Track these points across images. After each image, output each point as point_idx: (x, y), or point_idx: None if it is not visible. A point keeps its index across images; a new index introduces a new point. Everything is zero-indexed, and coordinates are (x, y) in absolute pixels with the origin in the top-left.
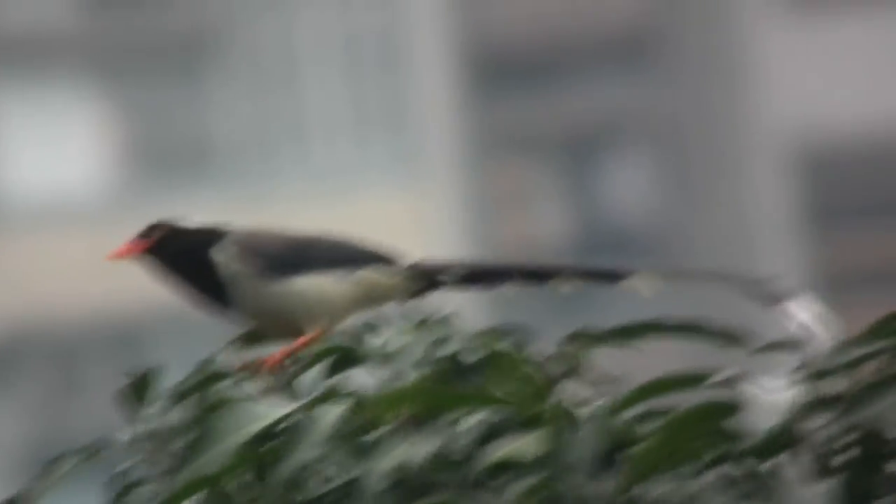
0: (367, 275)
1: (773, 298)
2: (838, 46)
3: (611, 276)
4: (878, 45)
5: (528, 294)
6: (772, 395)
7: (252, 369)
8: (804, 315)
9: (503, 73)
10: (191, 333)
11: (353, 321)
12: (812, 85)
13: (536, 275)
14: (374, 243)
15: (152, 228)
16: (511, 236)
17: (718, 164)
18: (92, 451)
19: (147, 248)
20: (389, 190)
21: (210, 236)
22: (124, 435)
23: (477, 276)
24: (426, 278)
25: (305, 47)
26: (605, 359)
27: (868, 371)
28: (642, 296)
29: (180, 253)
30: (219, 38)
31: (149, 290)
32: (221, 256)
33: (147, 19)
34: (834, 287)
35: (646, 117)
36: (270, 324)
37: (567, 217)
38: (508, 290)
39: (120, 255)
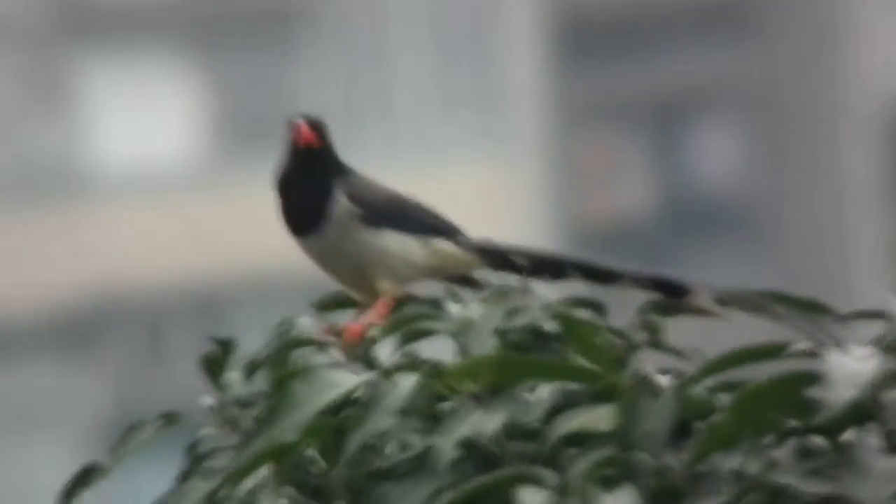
0: (445, 245)
1: (832, 341)
2: None
3: (676, 290)
4: None
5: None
6: (853, 366)
7: (335, 334)
8: (849, 367)
9: (591, 42)
10: (273, 301)
11: (430, 288)
12: None
13: (603, 276)
14: (448, 217)
15: (322, 125)
16: (599, 208)
17: (809, 134)
18: (171, 418)
19: (319, 144)
20: (476, 163)
21: (341, 169)
22: (206, 401)
23: (544, 265)
24: (495, 258)
25: (394, 19)
26: (684, 329)
27: None
28: (708, 313)
29: (323, 164)
30: (309, 10)
31: (233, 259)
32: (340, 189)
33: None
34: None
35: (733, 87)
36: (344, 270)
37: (655, 188)
38: (573, 283)
39: (307, 138)
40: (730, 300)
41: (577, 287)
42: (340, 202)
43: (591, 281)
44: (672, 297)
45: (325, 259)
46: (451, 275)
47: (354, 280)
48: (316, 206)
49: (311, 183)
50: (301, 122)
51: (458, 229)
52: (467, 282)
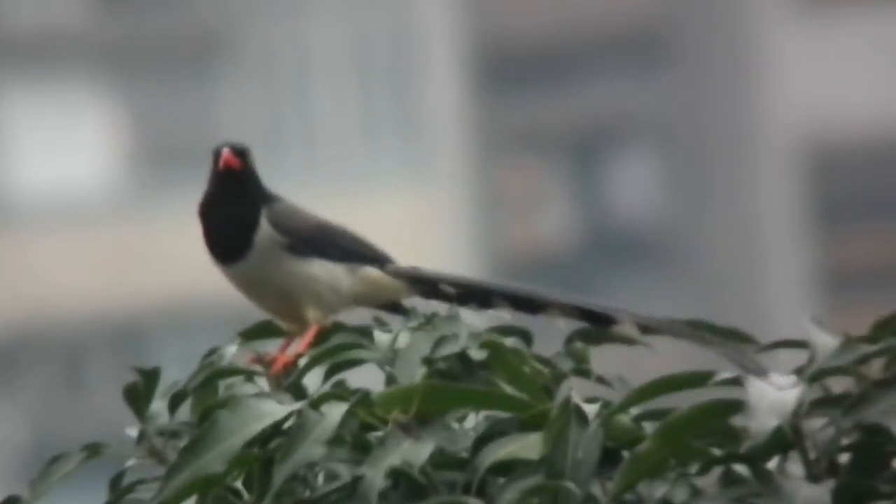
0: (372, 272)
1: (756, 369)
2: (847, 46)
3: (603, 319)
4: (887, 45)
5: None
6: (775, 395)
7: (262, 364)
8: (772, 396)
9: (513, 71)
10: (195, 330)
11: (358, 316)
12: (820, 84)
13: (530, 303)
14: (372, 241)
15: (245, 151)
16: (519, 237)
17: (726, 164)
18: (95, 450)
19: (242, 168)
20: (397, 188)
21: (265, 195)
22: (130, 432)
23: (470, 293)
24: (423, 285)
25: (315, 50)
26: (609, 358)
27: (873, 369)
28: (632, 341)
29: (247, 190)
30: (230, 40)
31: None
32: (264, 217)
33: (158, 19)
34: (840, 286)
35: (654, 117)
36: (269, 298)
37: (575, 217)
38: (500, 312)
39: (229, 162)
40: (655, 328)
41: (504, 315)
42: (264, 229)
43: (518, 309)
44: (598, 325)
45: (249, 287)
46: (380, 302)
47: (280, 308)
48: (239, 233)
49: (234, 209)
50: (225, 148)
51: (387, 256)
52: (395, 309)
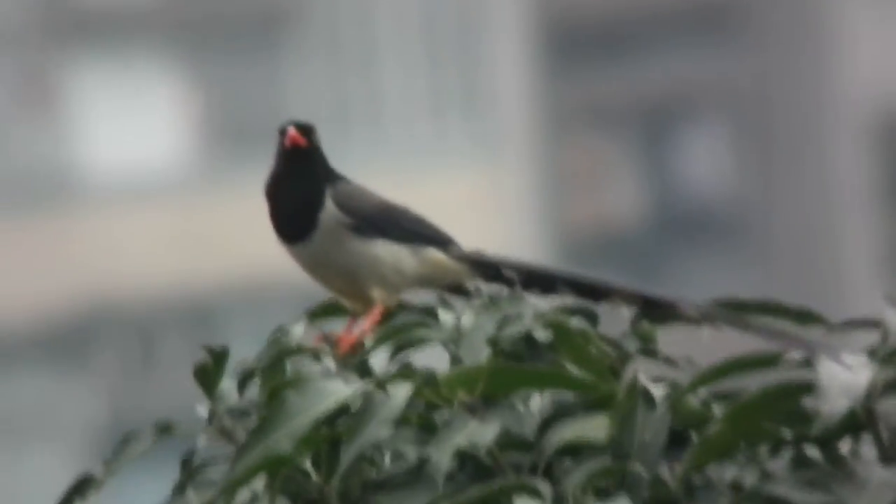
0: (436, 254)
1: (824, 354)
2: None
3: (666, 307)
4: None
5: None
6: (847, 377)
7: (329, 343)
8: (843, 377)
9: (580, 47)
10: (266, 309)
11: (422, 296)
12: (891, 56)
13: (593, 291)
14: (437, 223)
15: (312, 130)
16: (587, 215)
17: (797, 138)
18: (166, 428)
19: (307, 147)
20: (464, 166)
21: (331, 175)
22: (201, 411)
23: (533, 279)
24: (486, 269)
25: (383, 24)
26: (677, 338)
27: None
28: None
29: (313, 168)
30: (298, 14)
31: (225, 266)
32: (329, 197)
33: None
34: None
35: (724, 90)
36: (334, 278)
37: (643, 193)
38: (563, 298)
39: (295, 141)
40: (716, 318)
41: (567, 298)
42: (329, 209)
43: (581, 296)
44: (662, 313)
45: (314, 267)
46: (443, 284)
47: (345, 288)
48: (305, 213)
49: (300, 189)
50: (290, 126)
51: (450, 239)
52: (459, 290)
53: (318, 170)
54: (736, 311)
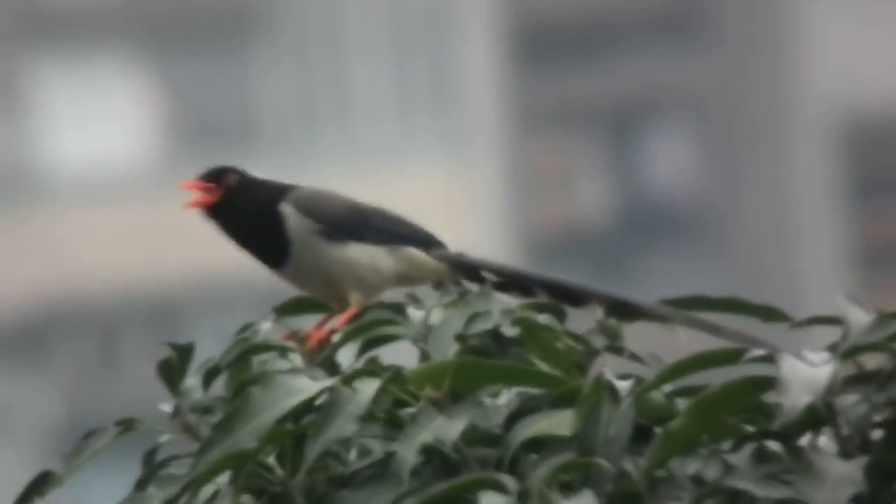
0: (416, 254)
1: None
2: (884, 19)
3: (640, 312)
4: None
5: (567, 263)
6: (808, 372)
7: (296, 340)
8: (804, 373)
9: (548, 47)
10: (229, 306)
11: (392, 294)
12: (857, 58)
13: (570, 295)
14: (421, 224)
15: (220, 173)
16: (555, 213)
17: (762, 139)
18: (129, 425)
19: (219, 199)
20: (432, 165)
21: (279, 190)
22: (163, 408)
23: (512, 282)
24: (465, 270)
25: (352, 23)
26: (643, 335)
27: None
28: (669, 330)
29: (249, 202)
30: (266, 13)
31: (190, 263)
32: (289, 211)
33: None
34: (875, 261)
35: (690, 92)
36: (317, 286)
37: (610, 192)
38: (541, 299)
39: (195, 206)
40: (685, 324)
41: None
42: (294, 219)
43: (558, 300)
44: (636, 317)
45: (301, 280)
46: (423, 283)
47: (327, 293)
48: (272, 236)
49: (254, 220)
50: (192, 182)
51: (433, 238)
52: (439, 285)
53: (254, 198)
54: (704, 311)
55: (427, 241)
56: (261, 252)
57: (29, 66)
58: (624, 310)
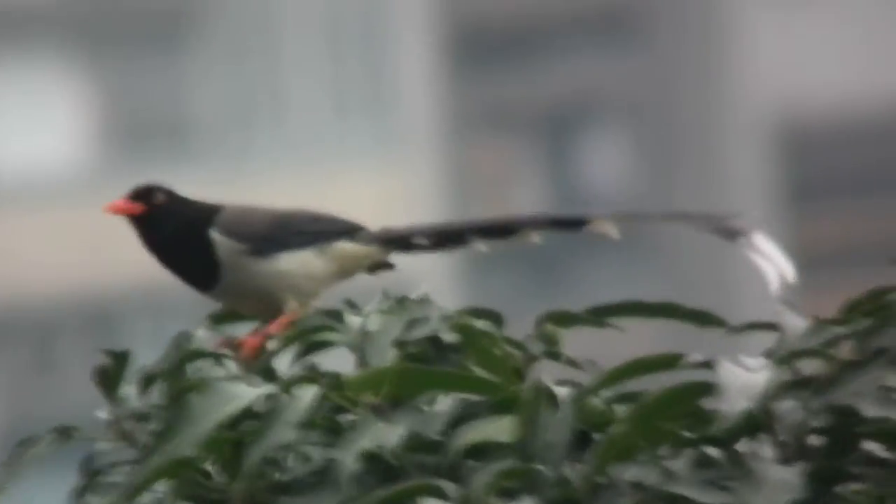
0: (343, 246)
1: (732, 233)
2: (818, 24)
3: (574, 223)
4: (858, 22)
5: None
6: (746, 377)
7: (232, 347)
8: (762, 250)
9: (484, 49)
10: (166, 312)
11: (331, 298)
12: (791, 62)
13: (502, 229)
14: (339, 213)
15: (149, 191)
16: (490, 215)
17: (699, 140)
18: (66, 433)
19: (144, 212)
20: (368, 167)
21: (208, 212)
22: (101, 415)
23: (444, 237)
24: (397, 243)
25: (285, 22)
26: (581, 341)
27: (843, 351)
28: (609, 239)
29: (178, 223)
30: (201, 13)
31: (125, 268)
32: (218, 233)
33: None
34: (812, 265)
35: (625, 95)
36: (251, 302)
37: (546, 194)
38: (477, 248)
39: (117, 210)
40: (626, 220)
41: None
42: (222, 244)
43: (492, 238)
44: (573, 229)
45: (234, 300)
46: (360, 271)
47: (262, 308)
48: (201, 259)
49: (181, 242)
50: (118, 203)
51: (355, 225)
52: (383, 268)
53: (183, 218)
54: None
55: (350, 230)
56: (189, 275)
57: None
58: (560, 227)
